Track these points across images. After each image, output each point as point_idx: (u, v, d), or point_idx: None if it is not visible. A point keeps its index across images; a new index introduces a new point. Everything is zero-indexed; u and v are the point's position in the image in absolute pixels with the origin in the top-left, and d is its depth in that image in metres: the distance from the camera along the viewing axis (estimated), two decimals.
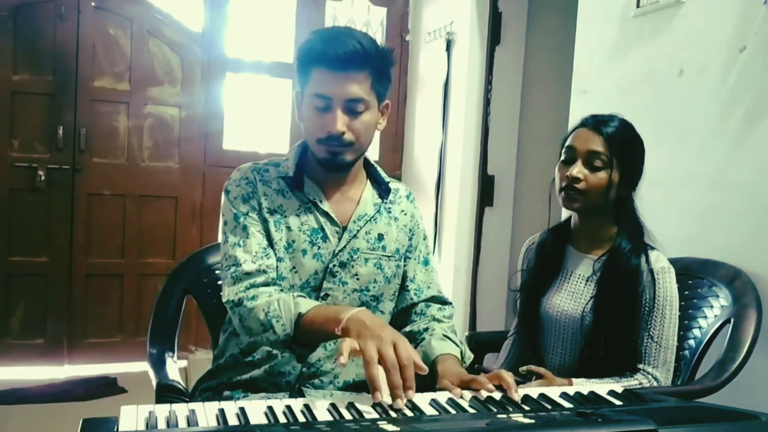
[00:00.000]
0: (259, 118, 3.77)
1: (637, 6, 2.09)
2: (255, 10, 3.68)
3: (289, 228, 1.31)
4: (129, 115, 3.39)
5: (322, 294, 1.33)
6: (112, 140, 3.37)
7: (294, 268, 1.31)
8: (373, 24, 3.82)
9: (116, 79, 3.37)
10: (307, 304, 1.21)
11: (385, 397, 1.01)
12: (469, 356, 1.36)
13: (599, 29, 2.28)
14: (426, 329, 1.38)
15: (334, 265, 1.33)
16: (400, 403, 0.99)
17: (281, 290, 1.28)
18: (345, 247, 1.34)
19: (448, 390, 1.10)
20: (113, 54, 3.35)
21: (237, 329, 1.29)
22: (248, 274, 1.27)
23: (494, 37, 3.20)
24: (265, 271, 1.27)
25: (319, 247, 1.32)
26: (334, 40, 1.23)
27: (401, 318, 1.45)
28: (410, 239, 1.44)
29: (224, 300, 1.29)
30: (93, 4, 3.27)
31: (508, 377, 1.09)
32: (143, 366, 1.60)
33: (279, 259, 1.30)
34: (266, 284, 1.27)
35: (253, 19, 3.68)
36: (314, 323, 1.18)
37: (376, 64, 1.27)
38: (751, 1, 1.73)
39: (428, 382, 1.26)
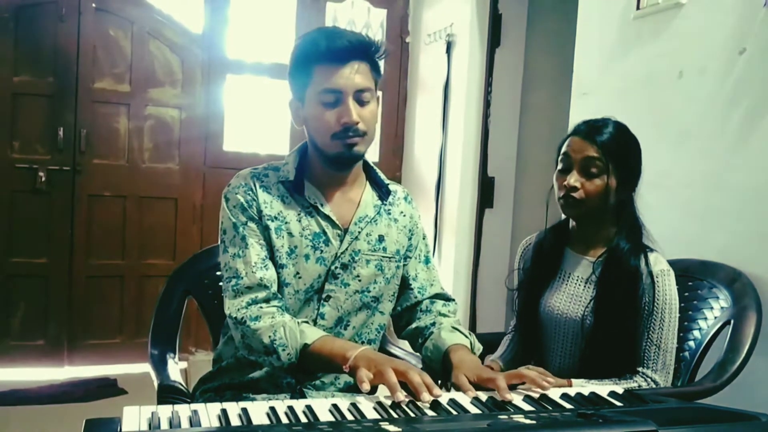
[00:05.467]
0: (259, 120, 3.78)
1: (637, 8, 2.10)
2: (255, 12, 3.68)
3: (290, 234, 1.31)
4: (129, 116, 3.39)
5: (324, 296, 1.33)
6: (112, 141, 3.38)
7: (297, 273, 1.31)
8: (373, 26, 3.81)
9: (117, 81, 3.37)
10: (312, 334, 1.22)
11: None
12: (479, 347, 1.37)
13: (599, 31, 2.29)
14: (433, 323, 1.40)
15: (336, 267, 1.33)
16: (427, 396, 1.02)
17: (282, 307, 1.28)
18: (347, 249, 1.34)
19: (463, 388, 1.11)
20: (114, 55, 3.35)
21: (237, 344, 1.30)
22: (249, 288, 1.27)
23: (494, 39, 3.20)
24: (266, 286, 1.27)
25: (322, 251, 1.32)
26: (332, 35, 1.26)
27: (406, 316, 1.46)
28: (410, 239, 1.45)
29: (227, 313, 1.29)
30: (94, 5, 3.27)
31: (537, 377, 1.11)
32: (143, 367, 1.61)
33: (282, 266, 1.30)
34: (267, 300, 1.27)
35: (253, 20, 3.68)
36: (321, 355, 1.20)
37: (372, 54, 1.30)
38: (751, 3, 1.74)
39: (441, 373, 1.28)
